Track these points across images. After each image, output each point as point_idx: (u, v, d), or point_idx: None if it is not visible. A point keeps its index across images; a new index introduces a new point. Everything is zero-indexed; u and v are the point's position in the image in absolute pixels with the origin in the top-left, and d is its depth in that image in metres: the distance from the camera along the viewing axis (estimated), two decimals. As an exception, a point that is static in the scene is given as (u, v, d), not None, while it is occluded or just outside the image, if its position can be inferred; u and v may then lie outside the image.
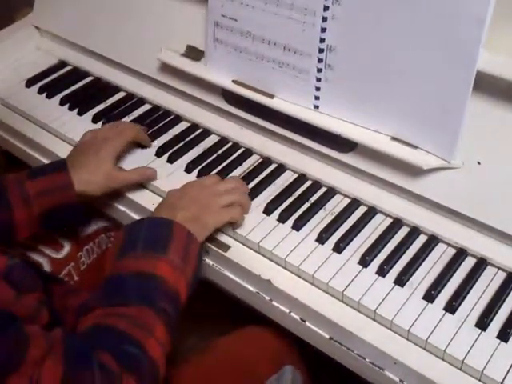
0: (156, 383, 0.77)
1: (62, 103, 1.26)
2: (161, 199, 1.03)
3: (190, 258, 0.87)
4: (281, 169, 1.07)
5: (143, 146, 1.14)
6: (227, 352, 0.98)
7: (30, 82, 1.32)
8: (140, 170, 1.07)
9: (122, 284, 0.83)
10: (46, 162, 1.18)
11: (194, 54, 1.15)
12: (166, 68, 1.19)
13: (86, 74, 1.34)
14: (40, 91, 1.30)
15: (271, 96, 1.05)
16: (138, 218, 1.05)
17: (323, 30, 0.95)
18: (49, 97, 1.28)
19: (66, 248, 1.09)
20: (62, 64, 1.38)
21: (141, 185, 1.07)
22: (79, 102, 1.25)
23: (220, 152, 1.12)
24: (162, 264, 0.84)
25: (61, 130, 1.19)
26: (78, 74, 1.35)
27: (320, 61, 0.97)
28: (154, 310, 0.80)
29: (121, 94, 1.28)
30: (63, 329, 0.74)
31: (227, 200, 0.96)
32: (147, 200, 1.05)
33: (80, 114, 1.23)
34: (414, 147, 0.93)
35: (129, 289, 0.82)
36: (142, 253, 0.85)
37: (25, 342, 0.67)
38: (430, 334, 0.81)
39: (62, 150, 1.14)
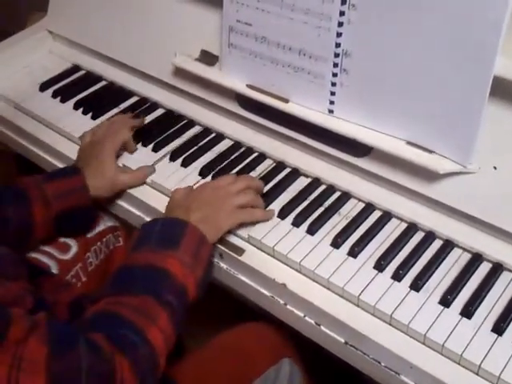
0: (155, 371, 0.78)
1: (75, 107, 1.27)
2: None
3: (200, 258, 0.89)
4: (295, 173, 1.07)
5: (156, 149, 1.14)
6: (228, 345, 0.99)
7: (43, 86, 1.33)
8: (140, 172, 1.09)
9: (129, 274, 0.85)
10: (60, 165, 1.19)
11: (208, 58, 1.16)
12: (180, 73, 1.19)
13: (99, 79, 1.35)
14: (54, 95, 1.31)
15: (286, 100, 1.05)
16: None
17: (339, 34, 0.95)
18: (63, 101, 1.29)
19: (73, 249, 1.09)
20: (76, 68, 1.39)
21: (157, 189, 1.08)
22: (93, 107, 1.25)
23: (234, 156, 1.12)
24: (171, 260, 0.85)
25: (75, 133, 1.19)
26: (91, 78, 1.35)
27: (335, 65, 0.98)
28: (158, 300, 0.81)
29: (134, 99, 1.28)
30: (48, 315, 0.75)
31: (240, 201, 0.96)
32: (161, 203, 1.04)
33: (94, 118, 1.24)
34: (430, 152, 0.93)
35: (136, 279, 0.84)
36: (154, 248, 0.87)
37: (7, 320, 0.68)
38: (447, 338, 0.81)
39: (76, 154, 1.15)
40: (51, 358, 0.68)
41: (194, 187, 1.01)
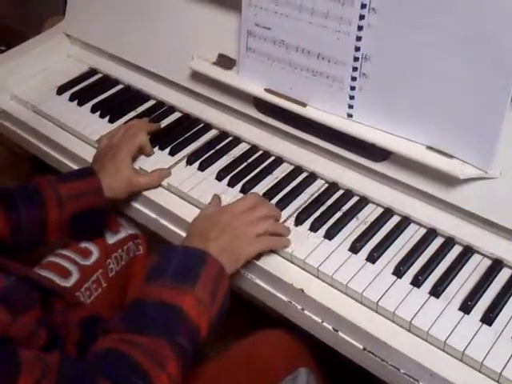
0: None
1: (93, 110, 1.27)
2: (192, 207, 1.04)
3: (217, 294, 0.85)
4: (312, 177, 1.07)
5: (173, 152, 1.15)
6: (243, 354, 0.98)
7: (61, 90, 1.33)
8: (155, 173, 1.09)
9: (143, 311, 0.81)
10: (77, 167, 1.19)
11: (225, 62, 1.15)
12: (197, 76, 1.19)
13: (116, 82, 1.35)
14: (71, 98, 1.31)
15: (304, 104, 1.05)
16: (168, 224, 1.06)
17: (358, 38, 0.95)
18: (80, 104, 1.29)
19: (95, 255, 1.09)
20: (93, 72, 1.39)
21: (173, 193, 1.08)
22: (110, 110, 1.26)
23: (251, 160, 1.12)
24: (187, 298, 0.82)
25: (92, 137, 1.20)
26: (108, 81, 1.36)
27: (355, 69, 0.97)
28: (171, 344, 0.78)
29: (151, 102, 1.29)
30: (61, 350, 0.74)
31: (260, 229, 0.93)
32: (177, 206, 1.05)
33: (111, 121, 1.24)
34: (450, 156, 0.92)
35: (150, 318, 0.80)
36: (170, 282, 0.83)
37: (16, 369, 0.66)
38: (467, 345, 0.80)
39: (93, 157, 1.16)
40: None
41: (215, 210, 0.98)
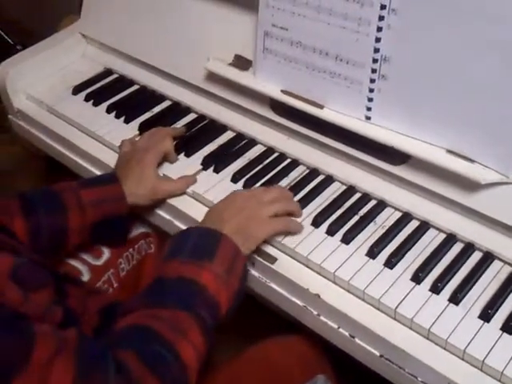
0: None
1: (108, 111, 1.26)
2: (207, 209, 1.03)
3: (234, 272, 0.86)
4: (329, 180, 1.05)
5: (188, 154, 1.13)
6: (259, 359, 0.96)
7: (76, 90, 1.33)
8: (183, 180, 1.08)
9: (162, 287, 0.83)
10: (91, 168, 1.19)
11: (241, 63, 1.14)
12: (213, 77, 1.18)
13: (132, 83, 1.34)
14: (86, 99, 1.30)
15: (321, 106, 1.04)
16: (183, 226, 1.05)
17: (378, 39, 0.93)
18: (95, 104, 1.29)
19: (106, 255, 1.08)
20: (108, 72, 1.39)
21: (188, 195, 1.07)
22: (126, 110, 1.25)
23: (266, 162, 1.11)
24: (205, 272, 0.84)
25: (107, 137, 1.19)
26: (124, 82, 1.35)
27: (373, 71, 0.95)
28: (190, 314, 0.79)
29: (167, 103, 1.28)
30: (78, 329, 0.73)
31: (274, 210, 0.94)
32: (193, 208, 1.04)
33: (126, 122, 1.23)
34: (471, 161, 0.90)
35: (169, 292, 0.82)
36: (188, 259, 0.85)
37: (30, 342, 0.65)
38: (487, 354, 0.78)
39: (108, 158, 1.15)
40: (77, 381, 0.66)
41: (229, 194, 0.99)
